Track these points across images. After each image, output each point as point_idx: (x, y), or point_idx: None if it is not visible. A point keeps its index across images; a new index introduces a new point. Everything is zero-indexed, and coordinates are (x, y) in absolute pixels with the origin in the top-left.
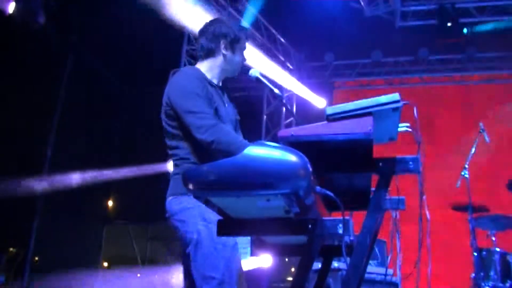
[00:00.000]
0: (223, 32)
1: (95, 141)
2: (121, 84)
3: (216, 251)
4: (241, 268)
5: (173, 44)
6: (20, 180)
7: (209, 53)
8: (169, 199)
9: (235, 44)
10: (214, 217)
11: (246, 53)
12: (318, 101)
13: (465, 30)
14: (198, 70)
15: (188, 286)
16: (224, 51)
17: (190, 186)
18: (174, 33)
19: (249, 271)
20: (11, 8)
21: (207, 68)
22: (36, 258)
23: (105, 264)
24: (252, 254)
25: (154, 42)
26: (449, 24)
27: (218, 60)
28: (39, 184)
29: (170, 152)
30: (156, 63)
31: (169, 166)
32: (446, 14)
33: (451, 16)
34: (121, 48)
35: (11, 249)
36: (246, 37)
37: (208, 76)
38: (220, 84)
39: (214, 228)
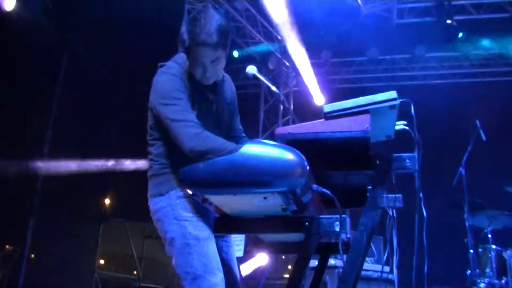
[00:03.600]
0: (190, 29)
1: (91, 138)
2: (117, 81)
3: (189, 247)
4: (229, 258)
5: (171, 42)
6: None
7: (181, 44)
8: (149, 200)
9: (192, 48)
10: (187, 213)
11: (207, 66)
12: (316, 99)
13: (460, 35)
14: (181, 65)
15: None
16: (184, 50)
17: (187, 185)
18: (172, 31)
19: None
20: (9, 5)
21: (185, 59)
22: (32, 256)
23: (102, 261)
24: (245, 252)
25: (152, 40)
26: (448, 21)
27: (184, 56)
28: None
29: (147, 149)
30: (153, 60)
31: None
32: (443, 11)
33: (448, 13)
34: (117, 44)
35: (7, 246)
36: (217, 49)
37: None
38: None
39: (186, 224)
